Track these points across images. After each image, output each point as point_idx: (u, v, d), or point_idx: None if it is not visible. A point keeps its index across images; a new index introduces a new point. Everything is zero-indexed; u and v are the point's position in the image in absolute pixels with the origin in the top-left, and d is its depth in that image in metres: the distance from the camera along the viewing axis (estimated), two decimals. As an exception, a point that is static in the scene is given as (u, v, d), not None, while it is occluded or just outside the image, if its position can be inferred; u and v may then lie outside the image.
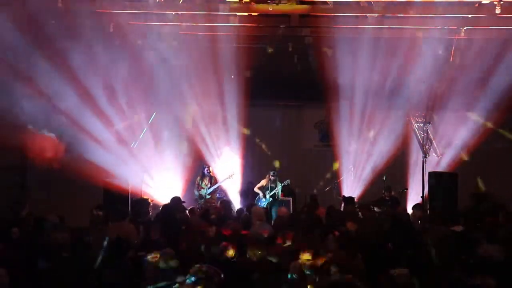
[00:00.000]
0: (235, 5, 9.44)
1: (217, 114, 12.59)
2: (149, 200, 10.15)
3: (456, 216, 8.20)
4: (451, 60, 10.53)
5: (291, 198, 11.79)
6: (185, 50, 10.79)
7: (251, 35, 10.76)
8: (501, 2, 8.55)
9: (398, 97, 11.47)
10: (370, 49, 10.53)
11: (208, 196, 11.58)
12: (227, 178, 11.87)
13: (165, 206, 8.77)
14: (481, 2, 8.98)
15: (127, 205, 9.63)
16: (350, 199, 10.12)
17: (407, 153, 12.28)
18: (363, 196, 12.12)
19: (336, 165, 12.35)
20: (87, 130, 10.58)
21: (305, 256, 5.92)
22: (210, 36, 10.67)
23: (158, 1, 9.43)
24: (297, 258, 6.01)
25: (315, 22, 10.13)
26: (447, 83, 11.18)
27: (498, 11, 8.62)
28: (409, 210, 11.35)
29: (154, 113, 11.84)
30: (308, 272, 5.71)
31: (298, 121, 14.06)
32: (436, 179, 10.31)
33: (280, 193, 11.67)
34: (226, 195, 12.48)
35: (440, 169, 11.36)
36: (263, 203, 11.40)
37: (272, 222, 9.46)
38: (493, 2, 8.69)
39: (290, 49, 11.17)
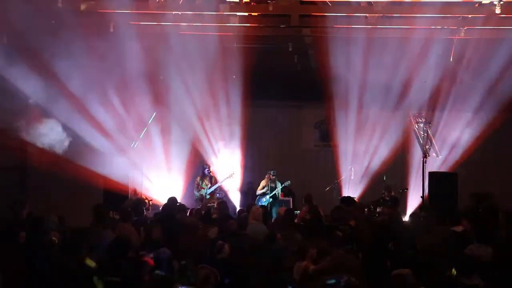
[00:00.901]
0: (235, 5, 9.43)
1: (217, 114, 12.59)
2: (146, 200, 10.15)
3: (456, 216, 8.20)
4: (451, 60, 10.52)
5: (291, 198, 11.81)
6: (185, 50, 10.79)
7: (251, 35, 10.75)
8: (501, 2, 8.54)
9: (398, 97, 11.48)
10: (370, 49, 10.53)
11: (208, 196, 11.59)
12: (227, 178, 11.88)
13: (165, 206, 8.77)
14: (481, 2, 8.97)
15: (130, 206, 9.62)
16: (349, 199, 10.11)
17: (407, 153, 12.29)
18: (363, 196, 12.13)
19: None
20: (87, 130, 10.59)
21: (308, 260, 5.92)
22: (210, 36, 10.67)
23: (158, 1, 9.43)
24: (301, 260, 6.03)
25: (315, 22, 10.13)
26: (447, 83, 11.18)
27: (498, 11, 8.60)
28: (409, 210, 11.44)
29: (154, 113, 11.84)
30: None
31: (298, 121, 14.07)
32: (436, 179, 10.32)
33: (280, 193, 11.69)
34: (226, 195, 12.49)
35: (440, 169, 11.36)
36: (264, 203, 11.40)
37: (272, 221, 9.50)
38: (493, 2, 8.68)
39: (290, 49, 11.17)
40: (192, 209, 10.06)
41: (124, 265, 5.57)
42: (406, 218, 10.40)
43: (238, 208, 11.62)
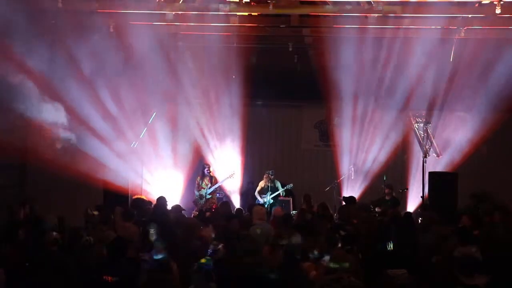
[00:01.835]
0: (235, 5, 9.43)
1: (217, 114, 12.59)
2: (146, 200, 10.14)
3: (456, 216, 8.21)
4: (451, 60, 10.52)
5: (291, 198, 11.79)
6: (185, 50, 10.79)
7: (251, 35, 10.75)
8: (501, 2, 8.54)
9: (398, 97, 11.48)
10: (370, 49, 10.54)
11: (208, 196, 11.59)
12: (227, 177, 11.88)
13: (155, 206, 8.75)
14: (481, 2, 8.97)
15: (127, 205, 9.63)
16: (351, 198, 10.12)
17: (407, 153, 12.29)
18: (363, 196, 12.12)
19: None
20: (87, 130, 10.59)
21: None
22: (210, 36, 10.67)
23: (158, 1, 9.43)
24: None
25: (315, 22, 10.13)
26: (447, 83, 11.18)
27: (498, 11, 8.60)
28: (409, 210, 11.43)
29: (154, 113, 11.84)
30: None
31: (298, 121, 14.07)
32: (436, 179, 10.32)
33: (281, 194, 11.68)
34: (226, 195, 12.49)
35: (440, 169, 11.36)
36: (263, 202, 11.40)
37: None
38: (493, 2, 8.68)
39: (290, 49, 11.18)
40: (197, 210, 10.08)
41: (124, 265, 5.58)
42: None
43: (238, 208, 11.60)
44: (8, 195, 10.25)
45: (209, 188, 11.60)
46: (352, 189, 12.24)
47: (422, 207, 9.90)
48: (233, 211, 9.79)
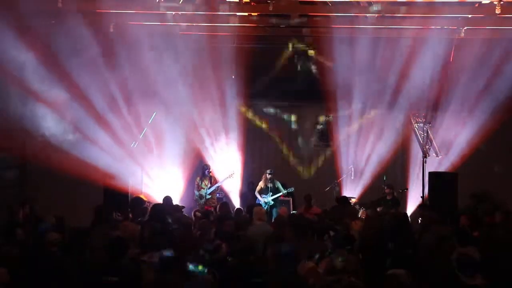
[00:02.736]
0: (235, 5, 9.43)
1: (217, 114, 12.59)
2: (145, 199, 10.15)
3: (456, 216, 8.20)
4: (451, 60, 10.52)
5: (290, 198, 11.79)
6: (185, 50, 10.79)
7: (251, 35, 10.76)
8: (501, 2, 8.54)
9: (398, 97, 11.48)
10: (370, 49, 10.54)
11: (208, 196, 11.58)
12: (227, 177, 11.87)
13: (154, 206, 8.75)
14: (481, 2, 8.97)
15: (127, 205, 9.64)
16: (345, 199, 10.12)
17: (407, 153, 12.29)
18: (363, 196, 12.13)
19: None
20: (87, 130, 10.59)
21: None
22: (210, 36, 10.67)
23: (158, 1, 9.43)
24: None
25: (315, 22, 10.13)
26: (447, 83, 11.18)
27: (498, 11, 8.61)
28: (409, 210, 11.44)
29: (154, 113, 11.84)
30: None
31: (298, 121, 14.07)
32: (436, 179, 10.31)
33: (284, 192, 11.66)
34: (226, 195, 12.49)
35: (440, 169, 11.36)
36: (263, 203, 11.39)
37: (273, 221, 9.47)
38: (493, 2, 8.68)
39: (290, 49, 11.18)
40: (196, 210, 10.08)
41: (124, 265, 5.57)
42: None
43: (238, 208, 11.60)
44: (8, 195, 10.24)
45: (208, 188, 11.60)
46: (352, 189, 12.24)
47: (421, 207, 9.88)
48: (233, 211, 9.80)
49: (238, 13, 9.79)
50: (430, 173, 10.49)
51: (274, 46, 11.55)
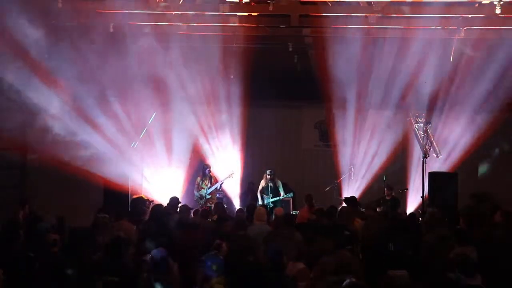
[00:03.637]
0: (235, 5, 9.43)
1: (217, 114, 12.59)
2: (147, 199, 10.15)
3: (456, 216, 8.19)
4: (451, 60, 10.52)
5: (291, 198, 11.79)
6: (184, 50, 10.79)
7: (251, 35, 10.75)
8: (501, 2, 8.54)
9: (398, 97, 11.48)
10: (370, 49, 10.53)
11: (208, 196, 11.59)
12: (227, 177, 11.88)
13: (155, 206, 8.75)
14: (481, 2, 8.97)
15: (127, 205, 9.64)
16: (354, 199, 10.08)
17: (407, 153, 12.28)
18: (363, 196, 12.12)
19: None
20: (87, 130, 10.59)
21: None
22: (210, 36, 10.67)
23: (158, 1, 9.42)
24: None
25: (315, 22, 10.12)
26: (447, 83, 11.18)
27: (498, 11, 8.60)
28: (409, 210, 11.43)
29: (154, 113, 11.84)
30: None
31: (298, 121, 14.06)
32: (436, 179, 10.31)
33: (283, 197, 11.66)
34: (226, 195, 12.49)
35: (440, 169, 11.36)
36: (265, 202, 11.41)
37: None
38: (493, 2, 8.68)
39: (290, 49, 11.17)
40: (196, 210, 10.07)
41: (123, 265, 5.57)
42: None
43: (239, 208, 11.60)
44: (8, 195, 10.24)
45: (208, 188, 11.60)
46: (352, 189, 12.24)
47: (425, 206, 9.84)
48: (234, 211, 9.79)
49: (238, 13, 9.79)
50: (430, 173, 10.49)
51: (274, 46, 11.53)
